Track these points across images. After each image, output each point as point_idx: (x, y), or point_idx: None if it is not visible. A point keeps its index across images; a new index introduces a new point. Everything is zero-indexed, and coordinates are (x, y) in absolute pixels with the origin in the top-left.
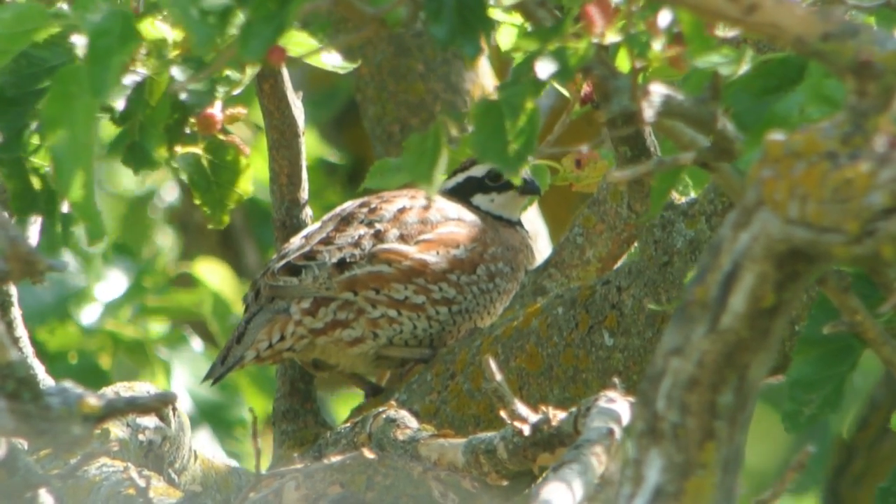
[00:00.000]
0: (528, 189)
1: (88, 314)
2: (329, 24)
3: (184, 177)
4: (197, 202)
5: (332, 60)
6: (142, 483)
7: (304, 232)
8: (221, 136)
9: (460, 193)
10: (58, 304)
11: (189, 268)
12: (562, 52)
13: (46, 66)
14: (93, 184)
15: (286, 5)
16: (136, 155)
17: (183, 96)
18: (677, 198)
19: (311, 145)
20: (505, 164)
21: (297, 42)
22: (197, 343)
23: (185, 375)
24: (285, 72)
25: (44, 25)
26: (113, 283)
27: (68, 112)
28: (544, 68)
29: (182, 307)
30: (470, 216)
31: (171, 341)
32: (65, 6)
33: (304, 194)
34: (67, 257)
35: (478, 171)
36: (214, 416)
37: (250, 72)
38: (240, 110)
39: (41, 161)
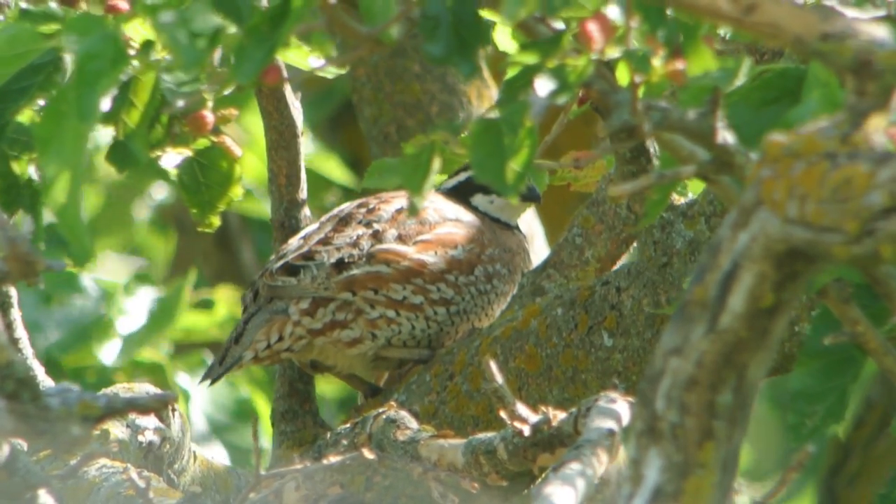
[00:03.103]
0: (529, 196)
1: (109, 349)
2: (327, 41)
3: (174, 178)
4: (186, 204)
5: (319, 64)
6: (141, 484)
7: (302, 232)
8: (213, 138)
9: (460, 193)
10: (78, 335)
11: (210, 294)
12: (561, 69)
13: (31, 64)
14: (80, 203)
15: (279, 27)
16: (120, 154)
17: (180, 104)
18: (676, 199)
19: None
20: (503, 185)
21: (295, 52)
22: None
23: (203, 401)
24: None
25: (37, 48)
26: (133, 314)
27: (59, 132)
28: (544, 86)
29: (199, 329)
30: (468, 217)
31: (189, 365)
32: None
33: (303, 195)
34: (88, 282)
35: None
36: (231, 442)
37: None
38: (231, 111)
39: (26, 157)
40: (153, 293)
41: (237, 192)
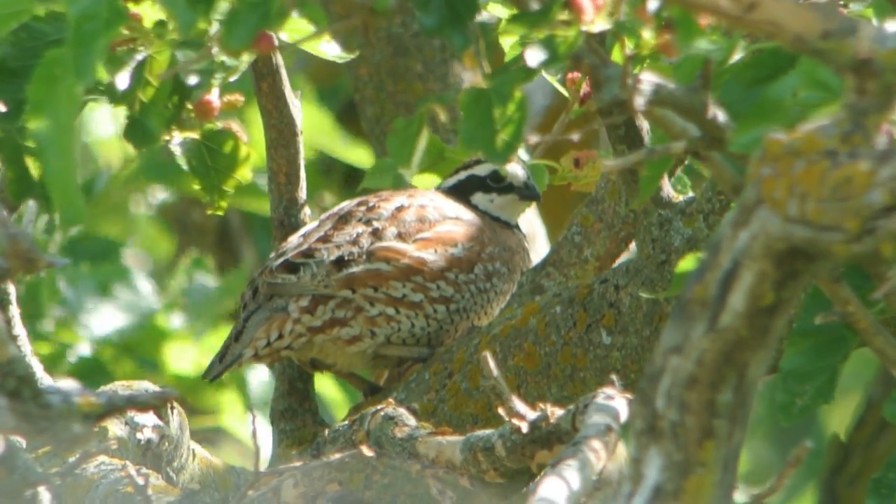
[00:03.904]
0: (529, 195)
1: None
2: (321, 11)
3: (182, 162)
4: (196, 187)
5: (330, 50)
6: (140, 481)
7: (302, 230)
8: (219, 124)
9: (460, 191)
10: (139, 322)
11: None
12: (551, 40)
13: (48, 39)
14: (74, 167)
15: None
16: (137, 131)
17: (192, 80)
18: (675, 196)
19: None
20: (492, 154)
21: (294, 28)
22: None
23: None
24: (283, 71)
25: (30, 9)
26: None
27: (51, 95)
28: (534, 56)
29: None
30: (468, 215)
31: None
32: None
33: (303, 193)
34: (141, 281)
35: (481, 170)
36: None
37: (246, 58)
38: (237, 97)
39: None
40: (209, 280)
41: (245, 174)
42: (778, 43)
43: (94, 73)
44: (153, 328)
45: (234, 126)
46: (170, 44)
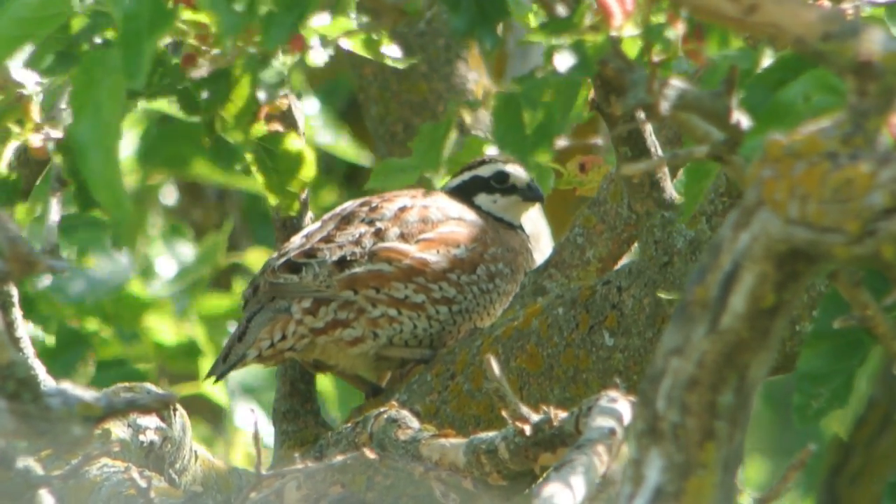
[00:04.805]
0: (532, 196)
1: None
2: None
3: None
4: (265, 190)
5: (390, 53)
6: (143, 483)
7: (304, 231)
8: (266, 127)
9: (464, 192)
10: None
11: (240, 258)
12: (580, 45)
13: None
14: (118, 167)
15: None
16: (223, 151)
17: (262, 95)
18: (678, 198)
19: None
20: (523, 157)
21: (340, 25)
22: None
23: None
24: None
25: (69, 11)
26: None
27: (92, 98)
28: (563, 61)
29: (221, 312)
30: (471, 216)
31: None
32: None
33: (304, 194)
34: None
35: (485, 171)
36: (267, 401)
37: (290, 61)
38: (283, 101)
39: None
40: (187, 247)
41: (310, 173)
42: (783, 50)
43: (144, 75)
44: (130, 296)
45: (280, 129)
46: (249, 60)
